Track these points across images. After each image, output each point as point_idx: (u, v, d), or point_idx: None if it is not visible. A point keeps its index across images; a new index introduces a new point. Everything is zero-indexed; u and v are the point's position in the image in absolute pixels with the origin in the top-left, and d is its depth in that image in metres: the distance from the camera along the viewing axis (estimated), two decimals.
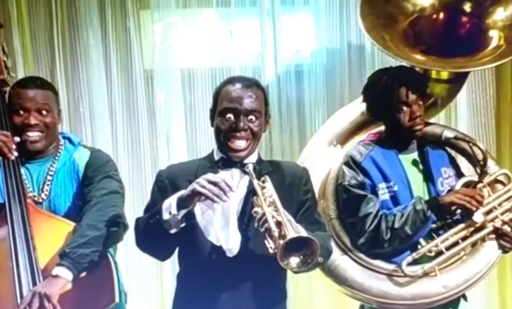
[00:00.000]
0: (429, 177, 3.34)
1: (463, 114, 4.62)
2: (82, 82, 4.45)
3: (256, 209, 2.63)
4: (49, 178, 3.10)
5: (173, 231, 2.60)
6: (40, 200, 3.07)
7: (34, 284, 2.75)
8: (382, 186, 3.27)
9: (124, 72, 4.53)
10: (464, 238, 3.27)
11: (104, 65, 4.48)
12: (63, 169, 3.14)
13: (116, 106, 4.50)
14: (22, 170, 3.04)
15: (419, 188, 3.32)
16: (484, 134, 4.65)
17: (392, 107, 3.24)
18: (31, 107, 3.04)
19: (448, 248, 3.24)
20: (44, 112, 3.07)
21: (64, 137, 3.27)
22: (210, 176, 2.60)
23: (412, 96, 3.21)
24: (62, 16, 4.40)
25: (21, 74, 4.05)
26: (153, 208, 2.69)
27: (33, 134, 3.05)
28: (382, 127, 3.47)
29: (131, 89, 4.52)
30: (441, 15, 3.67)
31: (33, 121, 3.03)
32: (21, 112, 3.04)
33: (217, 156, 2.89)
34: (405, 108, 3.22)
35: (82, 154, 3.20)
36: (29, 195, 3.03)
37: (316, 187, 3.31)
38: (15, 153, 2.96)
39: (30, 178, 3.10)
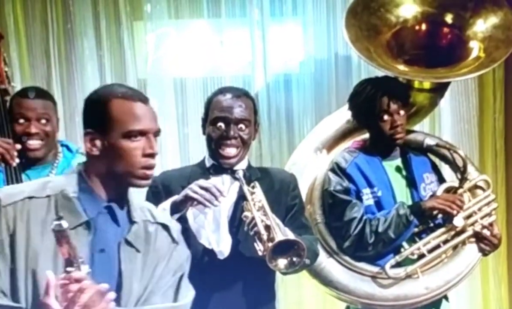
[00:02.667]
0: (411, 183, 3.40)
1: (447, 122, 4.65)
2: (78, 92, 4.45)
3: (246, 213, 2.73)
4: None
5: None
6: None
7: None
8: (366, 191, 3.32)
9: (118, 81, 4.43)
10: (445, 241, 3.33)
11: (98, 75, 4.49)
12: None
13: None
14: (23, 176, 3.06)
15: (402, 193, 3.38)
16: (467, 141, 4.67)
17: (375, 115, 3.30)
18: (32, 117, 3.09)
19: (430, 251, 3.30)
20: (44, 121, 3.11)
21: (62, 145, 3.31)
22: (201, 181, 2.68)
23: (393, 106, 3.27)
24: (58, 27, 4.42)
25: (18, 85, 3.98)
26: None
27: (34, 143, 3.10)
28: (366, 135, 3.51)
29: None
30: (423, 27, 3.70)
31: (33, 130, 3.08)
32: (22, 121, 3.09)
33: (208, 163, 2.96)
34: (386, 117, 3.27)
35: (80, 161, 3.22)
36: None
37: (303, 192, 3.37)
38: (17, 160, 3.00)
39: None
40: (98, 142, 2.13)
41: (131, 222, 2.21)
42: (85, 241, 2.08)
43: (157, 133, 2.20)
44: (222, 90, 2.96)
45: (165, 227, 2.30)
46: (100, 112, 2.14)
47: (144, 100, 2.20)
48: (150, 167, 2.17)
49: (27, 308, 2.03)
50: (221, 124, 2.87)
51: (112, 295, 1.94)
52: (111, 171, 2.14)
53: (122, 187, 2.21)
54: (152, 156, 2.16)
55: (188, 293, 2.30)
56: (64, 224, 1.84)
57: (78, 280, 1.87)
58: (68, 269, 1.88)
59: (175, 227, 2.36)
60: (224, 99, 2.87)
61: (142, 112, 2.16)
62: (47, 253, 2.04)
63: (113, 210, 2.18)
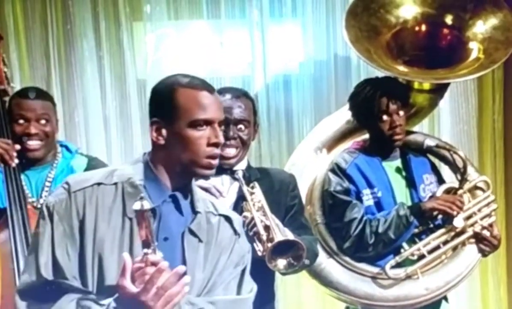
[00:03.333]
0: (411, 183, 3.40)
1: (446, 123, 4.65)
2: (77, 92, 4.47)
3: (245, 213, 2.72)
4: (47, 184, 3.14)
5: None
6: (39, 206, 3.07)
7: None
8: (366, 192, 3.33)
9: (118, 82, 4.54)
10: (445, 242, 3.34)
11: (98, 75, 4.51)
12: (61, 175, 3.15)
13: (110, 115, 4.52)
14: (22, 177, 3.07)
15: (402, 194, 3.38)
16: (466, 142, 4.67)
17: (374, 116, 3.30)
18: (32, 117, 3.09)
19: (430, 252, 3.30)
20: (43, 121, 3.11)
21: (61, 146, 3.31)
22: (201, 182, 2.66)
23: (392, 106, 3.27)
24: (58, 28, 4.43)
25: (17, 86, 3.97)
26: None
27: (33, 143, 3.10)
28: (366, 136, 3.51)
29: (125, 99, 4.55)
30: (423, 28, 3.70)
31: (33, 130, 3.08)
32: (22, 121, 3.09)
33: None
34: (385, 117, 3.27)
35: (79, 162, 3.24)
36: (28, 201, 3.06)
37: (303, 193, 3.37)
38: (16, 161, 3.00)
39: (29, 184, 3.14)
40: (163, 132, 2.16)
41: (195, 212, 2.24)
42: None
43: (222, 123, 2.23)
44: (222, 91, 2.93)
45: (228, 219, 2.32)
46: (166, 102, 2.17)
47: (210, 89, 2.23)
48: (215, 157, 2.20)
49: (93, 292, 2.06)
50: None
51: (187, 278, 1.97)
52: (176, 160, 2.17)
53: (186, 177, 2.23)
54: (217, 145, 2.18)
55: (252, 287, 2.33)
56: (146, 205, 1.89)
57: (154, 263, 1.92)
58: (145, 250, 1.92)
59: (237, 219, 2.38)
60: (224, 100, 2.84)
61: (208, 101, 2.18)
62: (112, 239, 2.09)
63: (177, 199, 2.21)
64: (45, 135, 3.14)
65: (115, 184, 2.16)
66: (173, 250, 2.16)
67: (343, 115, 3.67)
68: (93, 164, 3.25)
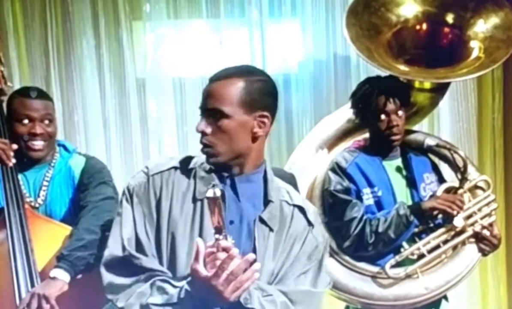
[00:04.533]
0: (412, 183, 3.39)
1: (446, 122, 4.66)
2: (77, 91, 4.48)
3: None
4: (45, 183, 3.13)
5: None
6: (37, 205, 3.10)
7: (32, 285, 2.78)
8: (366, 191, 3.32)
9: (117, 81, 4.55)
10: (445, 242, 3.33)
11: (97, 74, 4.51)
12: (59, 175, 3.16)
13: (109, 114, 4.53)
14: (19, 176, 3.05)
15: (402, 193, 3.37)
16: (466, 141, 4.66)
17: (372, 114, 3.30)
18: (36, 117, 3.06)
19: (430, 251, 3.29)
20: (47, 122, 3.10)
21: (59, 145, 3.29)
22: None
23: (390, 106, 3.26)
24: (57, 27, 4.44)
25: (17, 85, 4.06)
26: None
27: (38, 143, 3.08)
28: (367, 135, 3.50)
29: (124, 97, 4.55)
30: (424, 27, 3.69)
31: (39, 130, 3.06)
32: (26, 121, 3.06)
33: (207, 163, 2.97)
34: (383, 116, 3.27)
35: (77, 161, 3.22)
36: (26, 200, 3.05)
37: (303, 192, 3.38)
38: (13, 160, 2.97)
39: (26, 184, 3.13)
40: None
41: (267, 201, 2.29)
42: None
43: None
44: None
45: (301, 209, 2.37)
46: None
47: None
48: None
49: (166, 271, 2.18)
50: None
51: (257, 265, 2.03)
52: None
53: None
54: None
55: (328, 280, 2.37)
56: (218, 192, 1.93)
57: (225, 249, 2.00)
58: (217, 236, 1.99)
59: (311, 209, 2.43)
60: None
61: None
62: (185, 222, 2.21)
63: (235, 183, 2.29)
64: (49, 136, 3.13)
65: (191, 169, 2.29)
66: (238, 234, 2.23)
67: (344, 114, 3.66)
68: (91, 163, 3.24)
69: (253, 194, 2.30)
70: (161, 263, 2.19)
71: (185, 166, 2.29)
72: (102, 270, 2.24)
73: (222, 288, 1.97)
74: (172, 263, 2.19)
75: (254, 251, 2.18)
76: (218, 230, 1.98)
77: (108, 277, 2.21)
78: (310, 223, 2.35)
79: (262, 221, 2.24)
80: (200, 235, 2.10)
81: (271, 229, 2.24)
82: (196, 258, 2.00)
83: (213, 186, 2.04)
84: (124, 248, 2.20)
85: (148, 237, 2.22)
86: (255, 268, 2.01)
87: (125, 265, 2.18)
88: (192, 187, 2.25)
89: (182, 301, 2.06)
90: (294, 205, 2.35)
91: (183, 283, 2.08)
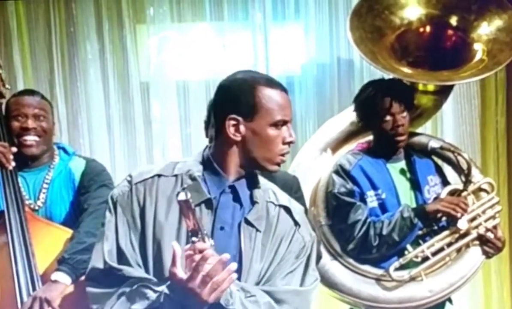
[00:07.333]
0: (416, 185, 3.38)
1: (449, 124, 4.65)
2: (80, 95, 4.51)
3: None
4: (45, 186, 3.14)
5: None
6: (37, 208, 3.11)
7: (34, 289, 2.80)
8: (370, 193, 3.31)
9: (121, 84, 4.57)
10: (449, 244, 3.32)
11: (101, 78, 4.54)
12: (59, 177, 3.17)
13: (113, 117, 4.56)
14: (19, 179, 3.06)
15: (406, 196, 3.36)
16: (469, 143, 4.66)
17: (377, 116, 3.30)
18: (29, 112, 3.09)
19: (434, 254, 3.28)
20: (41, 117, 3.12)
21: (59, 147, 3.30)
22: None
23: (395, 106, 3.26)
24: (61, 31, 4.47)
25: (21, 88, 4.06)
26: None
27: (31, 138, 3.09)
28: (370, 137, 3.50)
29: (128, 101, 4.58)
30: (428, 29, 3.69)
31: (30, 124, 3.08)
32: (20, 118, 3.09)
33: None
34: (388, 117, 3.26)
35: (77, 163, 3.23)
36: (26, 203, 3.06)
37: (307, 194, 3.38)
38: (13, 163, 3.00)
39: (26, 186, 3.13)
40: (242, 128, 2.20)
41: (253, 202, 2.28)
42: (207, 219, 2.19)
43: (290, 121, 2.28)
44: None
45: (287, 210, 2.36)
46: (245, 99, 2.20)
47: (285, 89, 2.28)
48: (286, 154, 2.27)
49: (153, 279, 2.15)
50: None
51: (233, 266, 2.02)
52: (249, 156, 2.24)
53: (253, 170, 2.31)
54: (290, 143, 2.25)
55: (316, 278, 2.36)
56: (188, 194, 1.92)
57: (201, 251, 1.98)
58: (193, 239, 1.99)
59: (297, 209, 2.41)
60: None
61: (285, 101, 2.23)
62: (171, 228, 2.18)
63: (236, 190, 2.26)
64: (42, 131, 3.14)
65: (176, 175, 2.25)
66: (229, 239, 2.22)
67: (347, 117, 3.66)
68: (91, 165, 3.25)
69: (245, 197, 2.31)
70: (147, 271, 2.18)
71: (169, 172, 2.27)
72: (86, 282, 2.26)
73: (199, 290, 1.98)
74: (159, 270, 2.17)
75: (240, 252, 2.19)
76: (194, 233, 1.98)
77: (91, 289, 2.21)
78: (296, 223, 2.35)
79: (248, 222, 2.24)
80: (188, 241, 2.08)
81: (257, 230, 2.25)
82: (173, 261, 2.00)
83: (183, 189, 2.02)
84: (105, 262, 2.19)
85: (132, 246, 2.20)
86: (231, 269, 2.00)
87: (108, 276, 2.18)
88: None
89: (163, 305, 2.07)
90: (280, 205, 2.35)
91: (163, 287, 2.07)
